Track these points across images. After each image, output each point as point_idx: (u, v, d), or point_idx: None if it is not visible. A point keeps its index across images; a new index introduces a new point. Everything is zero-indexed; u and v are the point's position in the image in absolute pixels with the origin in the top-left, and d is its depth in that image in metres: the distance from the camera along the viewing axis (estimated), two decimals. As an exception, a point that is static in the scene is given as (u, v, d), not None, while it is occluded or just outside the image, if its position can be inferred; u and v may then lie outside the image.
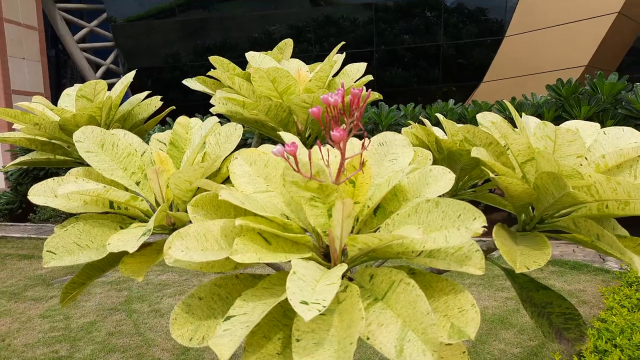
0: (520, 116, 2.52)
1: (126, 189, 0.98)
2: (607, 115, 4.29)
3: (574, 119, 4.59)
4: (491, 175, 0.89)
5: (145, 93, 1.47)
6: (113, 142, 1.00)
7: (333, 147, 0.81)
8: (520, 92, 5.77)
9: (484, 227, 0.66)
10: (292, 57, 1.44)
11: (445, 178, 0.76)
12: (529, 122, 1.08)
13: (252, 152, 0.84)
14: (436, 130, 1.44)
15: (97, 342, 2.88)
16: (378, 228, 0.75)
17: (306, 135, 1.29)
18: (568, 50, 8.19)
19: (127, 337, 2.95)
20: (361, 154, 0.74)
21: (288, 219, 0.75)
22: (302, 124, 1.21)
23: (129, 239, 0.80)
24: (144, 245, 0.93)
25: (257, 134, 1.51)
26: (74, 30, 12.05)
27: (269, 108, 1.06)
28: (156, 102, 1.39)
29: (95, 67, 12.57)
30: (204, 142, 1.04)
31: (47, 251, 0.79)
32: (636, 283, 2.81)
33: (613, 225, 0.98)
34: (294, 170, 0.69)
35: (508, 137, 0.89)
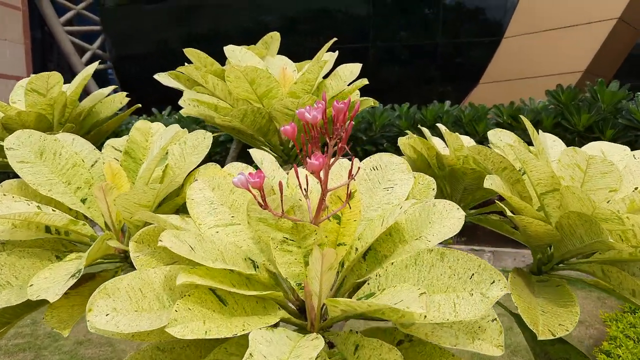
0: (518, 121, 2.35)
1: (70, 209, 0.82)
2: (607, 124, 4.17)
3: (573, 127, 4.46)
4: (508, 213, 0.74)
5: (111, 88, 1.31)
6: (55, 150, 0.83)
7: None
8: (516, 95, 5.64)
9: (504, 289, 0.51)
10: (283, 50, 1.28)
11: (453, 217, 0.61)
12: (546, 141, 0.94)
13: (215, 173, 0.69)
14: (436, 142, 1.29)
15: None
16: (367, 278, 0.60)
17: (290, 146, 1.13)
18: (566, 55, 8.08)
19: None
20: (348, 185, 0.59)
21: (255, 264, 0.60)
22: (285, 132, 1.05)
23: (57, 279, 0.64)
24: (85, 279, 0.77)
25: (236, 140, 1.35)
26: (60, 13, 11.67)
27: (244, 114, 0.90)
28: (121, 98, 1.22)
29: (82, 51, 12.20)
30: (166, 153, 0.88)
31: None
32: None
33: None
34: (261, 205, 0.54)
35: (527, 164, 0.74)
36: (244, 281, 0.56)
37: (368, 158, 0.70)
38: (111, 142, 0.93)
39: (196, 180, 0.69)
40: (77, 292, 0.73)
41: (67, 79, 1.22)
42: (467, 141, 1.26)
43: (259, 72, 0.90)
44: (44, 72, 1.09)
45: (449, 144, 1.19)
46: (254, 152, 0.72)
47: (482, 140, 4.25)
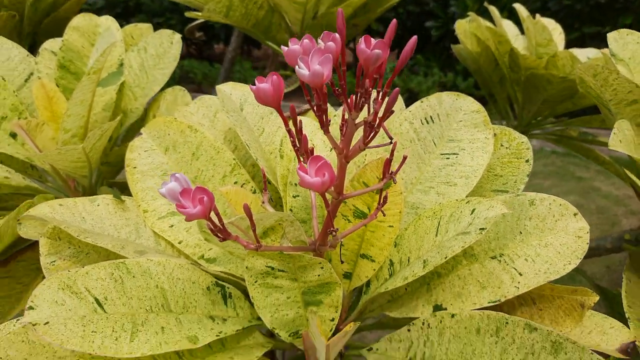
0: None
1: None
2: None
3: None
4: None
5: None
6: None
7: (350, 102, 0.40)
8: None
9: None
10: None
11: (565, 229, 0.35)
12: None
13: (168, 125, 0.43)
14: (508, 28, 0.96)
15: None
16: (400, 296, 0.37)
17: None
18: None
19: None
20: (381, 190, 0.32)
21: (225, 292, 0.38)
22: (297, 25, 0.74)
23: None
24: (21, 251, 0.58)
25: (238, 29, 1.03)
26: None
27: (228, 6, 0.59)
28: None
29: None
30: (121, 64, 0.61)
31: None
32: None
33: None
34: (215, 234, 0.29)
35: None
36: (209, 325, 0.35)
37: (419, 102, 0.42)
38: (50, 44, 0.66)
39: (140, 134, 0.44)
40: (7, 273, 0.55)
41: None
42: (558, 35, 0.91)
43: None
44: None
45: (530, 36, 0.86)
46: (224, 89, 0.44)
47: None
